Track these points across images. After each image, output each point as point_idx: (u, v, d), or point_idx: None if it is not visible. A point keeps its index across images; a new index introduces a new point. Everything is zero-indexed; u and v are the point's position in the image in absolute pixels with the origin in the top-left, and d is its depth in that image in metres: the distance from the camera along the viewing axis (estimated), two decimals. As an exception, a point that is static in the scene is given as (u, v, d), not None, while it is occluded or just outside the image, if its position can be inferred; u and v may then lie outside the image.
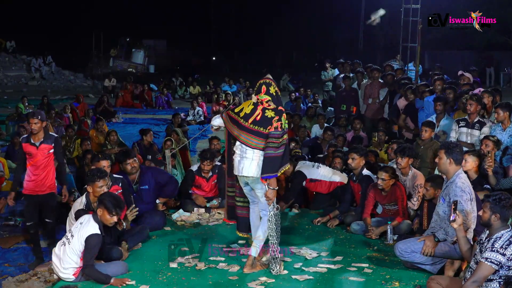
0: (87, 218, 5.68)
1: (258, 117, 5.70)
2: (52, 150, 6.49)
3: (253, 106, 5.80)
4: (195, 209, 7.99)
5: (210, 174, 8.19)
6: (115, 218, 5.79)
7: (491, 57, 27.11)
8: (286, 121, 5.80)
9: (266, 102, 5.76)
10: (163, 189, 7.68)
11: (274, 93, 5.79)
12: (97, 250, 5.58)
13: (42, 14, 36.50)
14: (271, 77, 5.93)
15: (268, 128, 5.64)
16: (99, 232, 5.58)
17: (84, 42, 31.03)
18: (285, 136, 5.73)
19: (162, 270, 5.89)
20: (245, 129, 5.73)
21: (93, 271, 5.50)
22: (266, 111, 5.71)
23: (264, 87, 5.79)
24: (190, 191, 8.26)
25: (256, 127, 5.69)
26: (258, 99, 5.80)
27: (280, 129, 5.65)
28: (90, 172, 6.36)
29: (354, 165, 7.55)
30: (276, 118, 5.66)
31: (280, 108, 5.78)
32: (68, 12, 36.45)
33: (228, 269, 5.93)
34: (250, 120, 5.72)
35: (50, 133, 6.61)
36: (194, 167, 8.38)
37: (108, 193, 6.07)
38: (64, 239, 5.69)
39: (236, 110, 5.90)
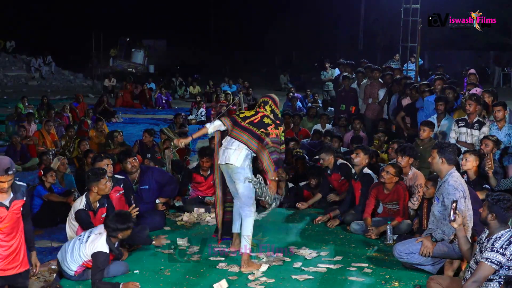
0: (103, 234, 5.61)
1: (256, 120, 6.11)
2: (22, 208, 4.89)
3: (254, 112, 6.22)
4: (195, 209, 8.00)
5: (209, 172, 8.20)
6: (128, 232, 5.76)
7: (499, 56, 27.17)
8: (283, 134, 6.21)
9: (266, 115, 6.17)
10: (163, 189, 7.68)
11: (269, 112, 6.21)
12: (104, 267, 5.52)
13: (42, 14, 36.49)
14: (272, 96, 6.37)
15: (261, 130, 6.01)
16: (106, 251, 5.54)
17: (84, 42, 30.98)
18: (283, 146, 6.19)
19: (162, 270, 5.89)
20: (240, 126, 6.08)
21: (101, 285, 5.47)
22: (265, 118, 6.12)
23: (262, 105, 6.25)
24: (189, 191, 8.26)
25: (251, 127, 6.06)
26: (258, 111, 6.22)
27: (277, 138, 6.07)
28: (92, 173, 6.33)
29: (357, 161, 7.55)
30: (273, 126, 6.08)
31: (277, 122, 6.17)
32: (68, 12, 36.44)
33: (228, 269, 5.94)
34: (247, 121, 6.11)
35: (18, 182, 4.93)
36: (192, 165, 8.40)
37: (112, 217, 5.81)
38: (80, 237, 5.69)
39: (241, 116, 6.26)
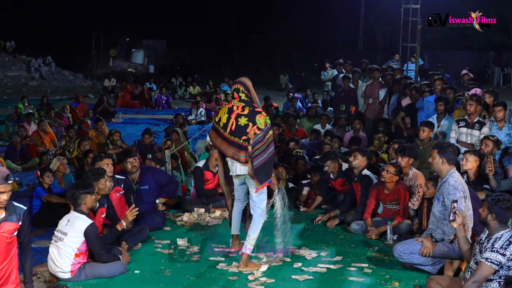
0: (72, 215, 5.69)
1: (233, 126, 5.79)
2: (16, 232, 4.40)
3: (227, 115, 5.86)
4: (195, 209, 7.99)
5: (217, 169, 8.16)
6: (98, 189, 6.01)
7: (498, 56, 27.20)
8: (267, 117, 5.87)
9: (241, 108, 5.81)
10: (163, 189, 7.68)
11: (244, 98, 5.84)
12: (99, 235, 5.74)
13: (41, 14, 36.50)
14: (242, 80, 5.93)
15: (243, 138, 5.71)
16: (91, 221, 5.66)
17: (84, 42, 31.01)
18: (270, 133, 5.81)
19: (162, 270, 5.89)
20: (226, 140, 5.85)
21: (108, 256, 5.71)
22: (239, 118, 5.77)
23: (235, 94, 5.87)
24: (190, 191, 8.25)
25: (232, 137, 5.79)
26: (232, 105, 5.87)
27: (258, 131, 5.69)
28: (91, 172, 6.33)
29: (356, 164, 7.55)
30: (250, 125, 5.70)
31: (257, 109, 5.82)
32: (68, 12, 36.45)
33: (228, 269, 5.93)
34: (228, 130, 5.83)
35: (16, 204, 4.47)
36: (200, 163, 8.38)
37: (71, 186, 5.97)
38: (55, 238, 5.67)
39: (216, 119, 6.01)
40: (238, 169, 5.90)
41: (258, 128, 5.70)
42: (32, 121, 13.83)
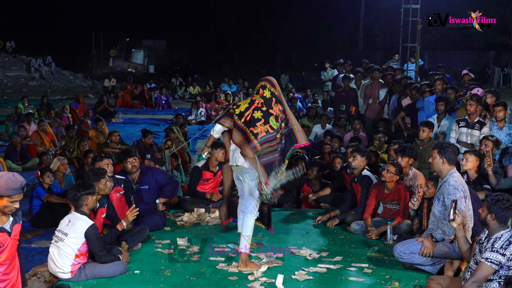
0: (73, 215, 5.70)
1: (248, 117, 5.91)
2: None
3: (247, 105, 5.99)
4: (195, 209, 7.99)
5: (217, 168, 8.17)
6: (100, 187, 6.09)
7: (498, 57, 27.21)
8: (284, 117, 5.96)
9: (260, 104, 5.94)
10: (163, 189, 7.68)
11: (268, 96, 5.97)
12: (99, 236, 5.75)
13: (41, 14, 36.52)
14: (269, 78, 6.11)
15: (251, 129, 5.81)
16: (92, 222, 5.67)
17: (84, 42, 31.04)
18: (282, 128, 5.91)
19: (162, 270, 5.89)
20: (237, 127, 5.95)
21: (108, 256, 5.71)
22: (255, 111, 5.90)
23: (261, 90, 6.01)
24: (197, 190, 8.25)
25: (244, 126, 5.91)
26: (255, 99, 6.00)
27: (271, 130, 5.82)
28: (92, 172, 6.33)
29: (355, 165, 7.54)
30: (262, 121, 5.83)
31: (270, 111, 5.90)
32: (68, 12, 36.48)
33: (228, 269, 5.93)
34: (242, 120, 5.94)
35: None
36: (200, 163, 8.37)
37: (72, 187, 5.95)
38: (55, 239, 5.68)
39: (234, 107, 6.14)
40: (236, 159, 5.94)
41: (271, 127, 5.83)
42: (32, 121, 13.84)
